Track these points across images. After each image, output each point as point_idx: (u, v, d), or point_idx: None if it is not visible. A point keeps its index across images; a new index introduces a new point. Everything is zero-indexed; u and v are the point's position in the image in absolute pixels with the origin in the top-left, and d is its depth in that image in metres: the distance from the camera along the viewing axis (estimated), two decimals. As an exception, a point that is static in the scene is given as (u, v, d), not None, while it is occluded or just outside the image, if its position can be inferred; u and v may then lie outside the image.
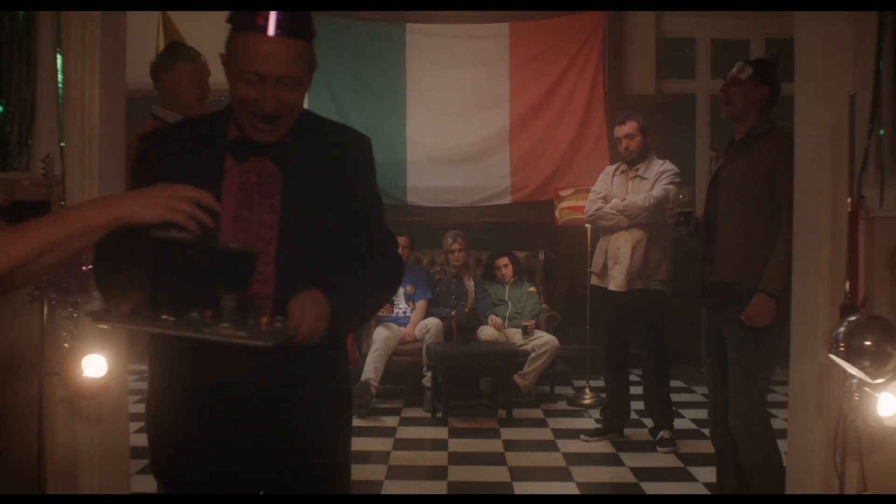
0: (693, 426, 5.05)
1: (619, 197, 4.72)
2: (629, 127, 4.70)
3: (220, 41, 1.69)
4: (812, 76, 2.58)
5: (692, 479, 4.11)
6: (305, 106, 6.98)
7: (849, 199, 2.37)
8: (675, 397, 5.02)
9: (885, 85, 2.42)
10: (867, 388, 2.17)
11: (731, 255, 3.14)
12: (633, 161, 4.74)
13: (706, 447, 3.85)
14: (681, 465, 4.33)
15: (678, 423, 4.86)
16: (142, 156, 1.91)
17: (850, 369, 2.12)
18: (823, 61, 2.51)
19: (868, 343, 2.07)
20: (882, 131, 2.43)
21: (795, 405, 2.68)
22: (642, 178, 4.70)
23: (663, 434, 4.62)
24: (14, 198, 1.97)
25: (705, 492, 3.89)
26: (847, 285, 2.34)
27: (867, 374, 2.08)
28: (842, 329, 2.13)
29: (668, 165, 4.71)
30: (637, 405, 4.96)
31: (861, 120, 2.43)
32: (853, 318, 2.16)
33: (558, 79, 6.75)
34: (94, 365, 2.28)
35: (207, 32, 3.01)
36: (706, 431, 3.79)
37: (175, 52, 3.20)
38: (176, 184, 1.41)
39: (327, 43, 6.52)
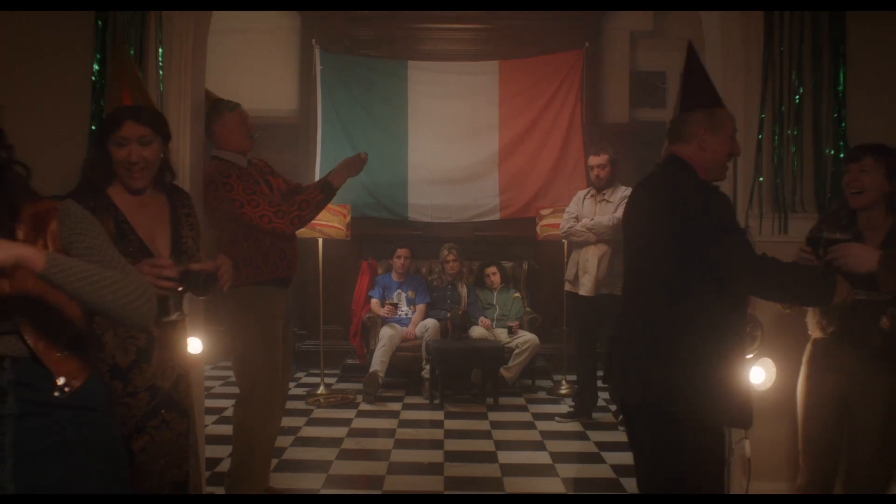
0: (652, 411, 5.91)
1: (588, 217, 5.58)
2: (602, 158, 5.54)
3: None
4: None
5: (645, 450, 4.98)
6: (319, 135, 7.92)
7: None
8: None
9: (765, 147, 3.35)
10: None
11: None
12: (600, 187, 5.61)
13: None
14: (637, 440, 5.21)
15: (638, 408, 5.73)
16: None
17: (728, 349, 3.01)
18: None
19: (740, 330, 2.95)
20: (761, 178, 3.35)
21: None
22: (608, 201, 5.57)
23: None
24: (184, 268, 2.33)
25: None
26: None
27: (739, 352, 2.96)
28: (722, 321, 3.01)
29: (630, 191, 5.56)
30: (605, 394, 5.84)
31: (748, 170, 3.35)
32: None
33: (542, 110, 7.42)
34: (193, 344, 3.15)
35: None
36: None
37: (220, 107, 3.67)
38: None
39: (338, 78, 7.34)
